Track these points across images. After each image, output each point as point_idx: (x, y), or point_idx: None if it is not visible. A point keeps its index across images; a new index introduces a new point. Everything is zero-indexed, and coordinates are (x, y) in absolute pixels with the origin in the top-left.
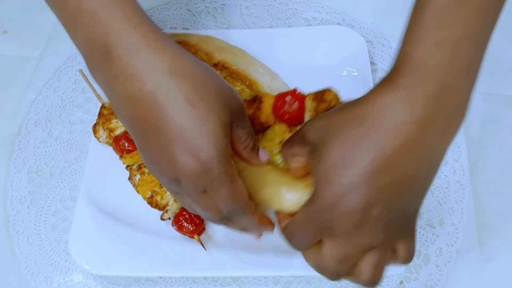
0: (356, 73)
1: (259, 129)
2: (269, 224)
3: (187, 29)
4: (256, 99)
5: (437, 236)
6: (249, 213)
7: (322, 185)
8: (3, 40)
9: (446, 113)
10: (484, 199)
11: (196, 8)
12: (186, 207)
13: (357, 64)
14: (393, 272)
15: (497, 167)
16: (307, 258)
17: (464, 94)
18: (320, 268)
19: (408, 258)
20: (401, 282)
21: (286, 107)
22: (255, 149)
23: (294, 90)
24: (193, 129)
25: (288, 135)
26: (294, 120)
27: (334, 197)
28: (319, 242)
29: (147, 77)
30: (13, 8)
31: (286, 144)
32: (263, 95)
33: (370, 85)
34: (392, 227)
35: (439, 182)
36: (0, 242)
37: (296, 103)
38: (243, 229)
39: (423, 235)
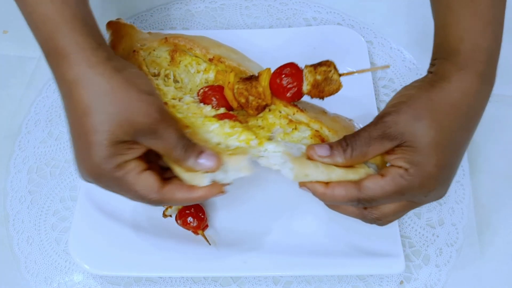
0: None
1: (255, 107)
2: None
3: (187, 29)
4: (252, 77)
5: (437, 236)
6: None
7: (425, 168)
8: (3, 40)
9: (486, 102)
10: (484, 199)
11: (196, 8)
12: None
13: (357, 64)
14: (393, 272)
15: (497, 167)
16: (349, 212)
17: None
18: (375, 218)
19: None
20: (401, 282)
21: (284, 78)
22: (188, 152)
23: (291, 63)
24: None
25: (289, 109)
26: (293, 91)
27: (435, 176)
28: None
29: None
30: (13, 8)
31: (363, 143)
32: (259, 72)
33: (370, 85)
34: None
35: None
36: (0, 242)
37: (294, 72)
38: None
39: (423, 235)
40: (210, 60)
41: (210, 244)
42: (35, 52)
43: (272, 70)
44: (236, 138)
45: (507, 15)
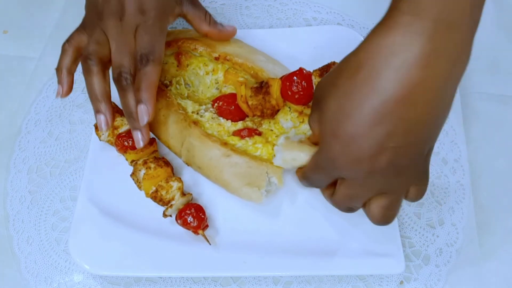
0: None
1: (270, 113)
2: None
3: (187, 29)
4: (263, 85)
5: (437, 236)
6: (155, 65)
7: (325, 138)
8: (3, 40)
9: (449, 50)
10: (484, 199)
11: None
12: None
13: None
14: (393, 272)
15: (497, 167)
16: (323, 193)
17: (466, 31)
18: (333, 202)
19: (417, 198)
20: (401, 282)
21: (294, 87)
22: (217, 24)
23: (300, 70)
24: None
25: (297, 107)
26: (304, 99)
27: (338, 150)
28: (336, 181)
29: None
30: (13, 8)
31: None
32: (269, 80)
33: None
34: (404, 172)
35: (439, 182)
36: (0, 242)
37: (304, 82)
38: (137, 89)
39: (423, 235)
40: (216, 59)
41: (210, 244)
42: (35, 52)
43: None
44: (259, 152)
45: (508, 15)
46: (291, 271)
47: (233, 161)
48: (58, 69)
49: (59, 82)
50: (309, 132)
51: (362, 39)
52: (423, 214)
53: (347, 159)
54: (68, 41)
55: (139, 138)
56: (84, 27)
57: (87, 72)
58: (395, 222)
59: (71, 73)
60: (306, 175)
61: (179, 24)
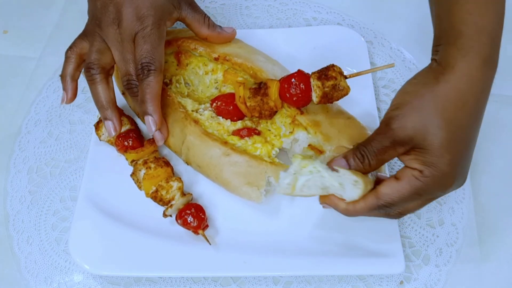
0: None
1: (268, 115)
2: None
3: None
4: (261, 86)
5: (437, 236)
6: (156, 75)
7: (433, 169)
8: (3, 40)
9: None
10: (484, 199)
11: None
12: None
13: (357, 64)
14: (393, 272)
15: (497, 168)
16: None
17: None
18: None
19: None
20: (401, 282)
21: (292, 90)
22: (216, 26)
23: (298, 72)
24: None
25: (292, 111)
26: (302, 101)
27: (451, 169)
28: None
29: None
30: (13, 8)
31: (377, 152)
32: (267, 81)
33: (370, 85)
34: None
35: None
36: (0, 242)
37: (302, 84)
38: (142, 101)
39: (423, 235)
40: (216, 59)
41: (210, 244)
42: (35, 52)
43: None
44: (259, 152)
45: (507, 15)
46: (291, 271)
47: (233, 160)
48: (63, 76)
49: (64, 89)
50: (328, 147)
51: (362, 39)
52: (423, 214)
53: (454, 178)
54: (70, 48)
55: (110, 126)
56: (85, 34)
57: (91, 82)
58: (395, 222)
59: (74, 79)
60: (394, 203)
61: (179, 23)
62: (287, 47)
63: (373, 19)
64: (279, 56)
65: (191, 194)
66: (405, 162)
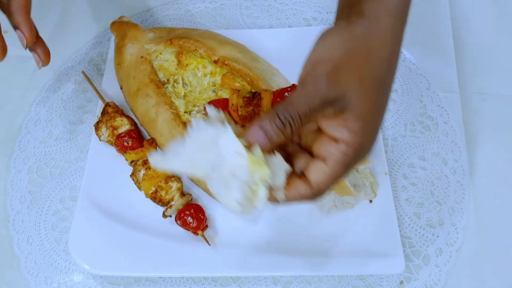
0: None
1: None
2: None
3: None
4: (255, 96)
5: (437, 236)
6: None
7: (366, 132)
8: None
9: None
10: (484, 199)
11: (196, 8)
12: None
13: None
14: (393, 272)
15: (497, 167)
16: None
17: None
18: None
19: None
20: (401, 282)
21: None
22: (32, 23)
23: (293, 86)
24: None
25: None
26: None
27: (373, 135)
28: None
29: None
30: None
31: (303, 116)
32: (261, 92)
33: None
34: None
35: (439, 182)
36: (0, 242)
37: None
38: (9, 14)
39: (423, 235)
40: (215, 62)
41: (210, 245)
42: None
43: (274, 66)
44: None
45: (505, 15)
46: (291, 271)
47: None
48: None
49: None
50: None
51: None
52: (423, 214)
53: (371, 146)
54: None
55: (22, 37)
56: None
57: None
58: (395, 222)
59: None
60: (328, 187)
61: (180, 23)
62: (287, 47)
63: None
64: (279, 57)
65: (191, 194)
66: (327, 129)
